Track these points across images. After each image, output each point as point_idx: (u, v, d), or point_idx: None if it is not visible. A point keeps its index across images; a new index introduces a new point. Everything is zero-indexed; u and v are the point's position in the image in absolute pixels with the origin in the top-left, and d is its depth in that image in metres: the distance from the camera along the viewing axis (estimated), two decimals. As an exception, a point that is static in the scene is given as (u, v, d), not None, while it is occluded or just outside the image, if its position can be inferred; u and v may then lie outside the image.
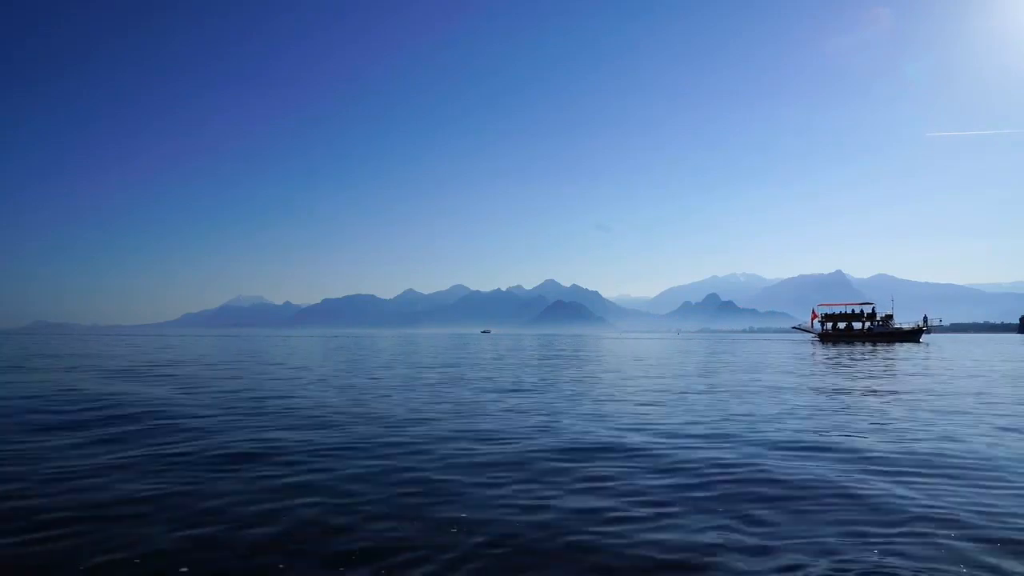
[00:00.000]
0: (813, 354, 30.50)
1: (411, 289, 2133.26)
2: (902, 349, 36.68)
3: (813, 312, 60.79)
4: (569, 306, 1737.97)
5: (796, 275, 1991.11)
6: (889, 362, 23.31)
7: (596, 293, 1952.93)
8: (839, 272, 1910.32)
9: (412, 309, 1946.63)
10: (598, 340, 69.91)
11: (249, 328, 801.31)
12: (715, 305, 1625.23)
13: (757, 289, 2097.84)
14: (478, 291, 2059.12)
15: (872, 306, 57.32)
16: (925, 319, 55.91)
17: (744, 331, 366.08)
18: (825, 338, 58.58)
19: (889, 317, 56.49)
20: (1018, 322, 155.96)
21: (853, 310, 58.51)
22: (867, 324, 57.08)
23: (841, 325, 58.55)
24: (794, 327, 67.54)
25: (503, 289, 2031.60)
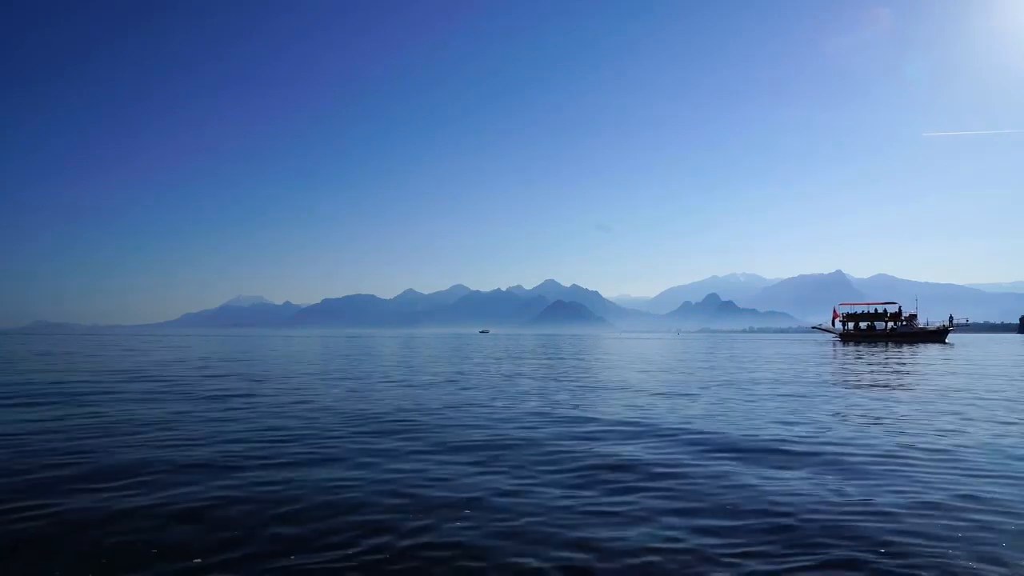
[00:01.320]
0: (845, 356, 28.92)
1: (411, 289, 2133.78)
2: (934, 350, 34.94)
3: (834, 312, 59.26)
4: (569, 306, 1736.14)
5: (796, 275, 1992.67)
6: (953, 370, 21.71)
7: (596, 293, 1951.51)
8: (839, 272, 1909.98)
9: (412, 309, 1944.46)
10: (599, 341, 68.40)
11: (249, 328, 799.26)
12: (715, 305, 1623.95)
13: (757, 289, 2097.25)
14: (478, 291, 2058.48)
15: (897, 305, 55.78)
16: (951, 319, 54.46)
17: (744, 331, 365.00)
18: (847, 338, 57.06)
19: (913, 317, 54.98)
20: (1018, 322, 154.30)
21: (876, 309, 56.99)
22: (890, 324, 55.55)
23: (863, 325, 57.04)
24: (814, 327, 66.04)
25: (503, 289, 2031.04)
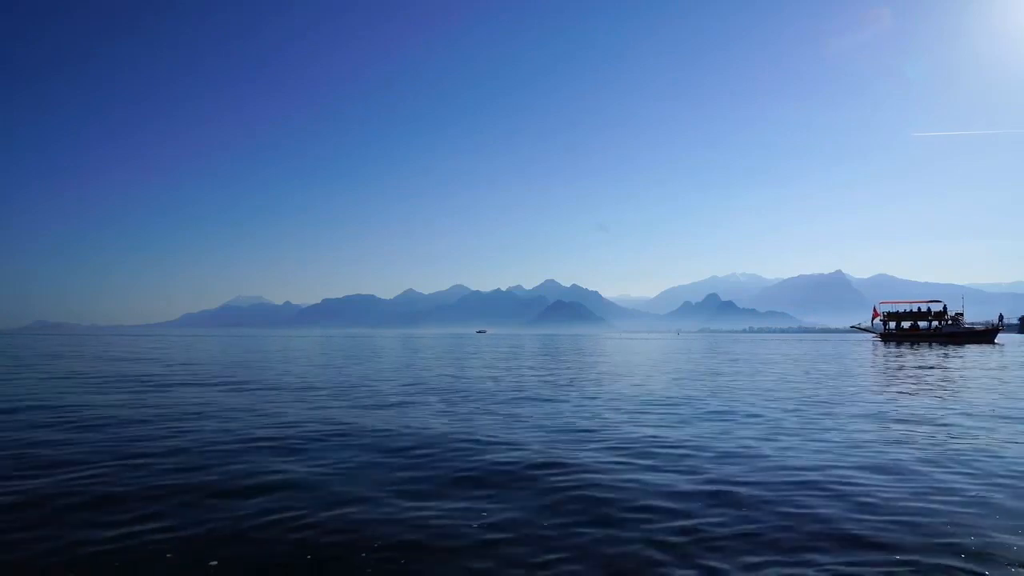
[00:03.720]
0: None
1: (411, 289, 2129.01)
2: (993, 353, 33.02)
3: (874, 310, 57.69)
4: (569, 306, 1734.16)
5: (796, 275, 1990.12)
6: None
7: (596, 293, 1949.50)
8: (839, 272, 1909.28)
9: (412, 309, 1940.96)
10: (602, 341, 66.73)
11: (249, 328, 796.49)
12: (715, 305, 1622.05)
13: (757, 289, 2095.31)
14: (478, 291, 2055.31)
15: (942, 304, 54.12)
16: (1000, 318, 52.84)
17: (744, 331, 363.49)
18: (887, 338, 55.52)
19: (959, 316, 53.33)
20: (1018, 322, 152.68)
21: (919, 308, 55.38)
22: (934, 323, 53.90)
23: (906, 324, 55.42)
24: (853, 326, 64.39)
25: (503, 289, 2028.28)
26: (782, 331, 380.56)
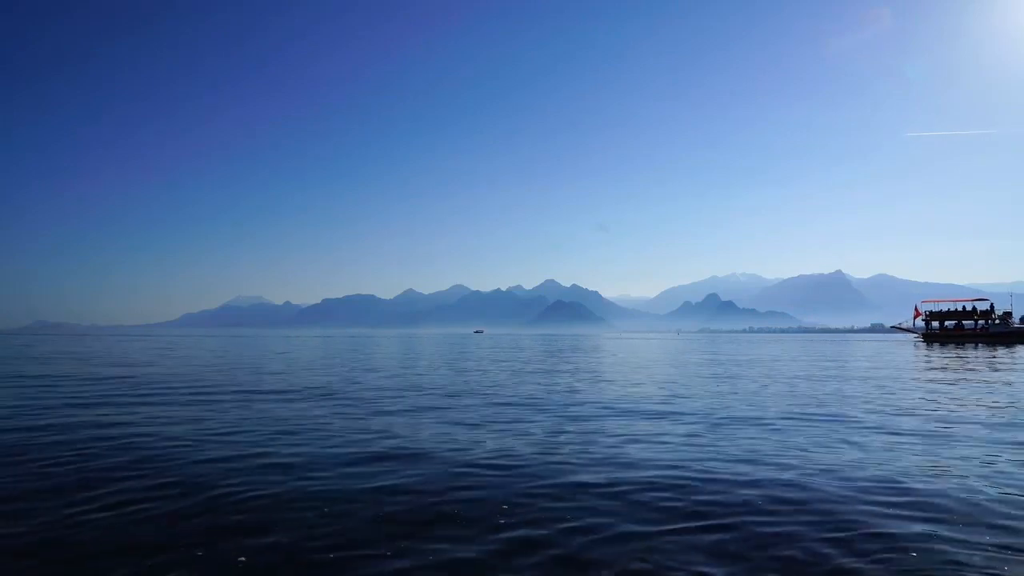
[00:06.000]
0: None
1: (411, 289, 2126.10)
2: None
3: (916, 309, 56.39)
4: (569, 306, 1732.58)
5: (796, 275, 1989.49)
6: None
7: (596, 293, 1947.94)
8: (839, 272, 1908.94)
9: (412, 309, 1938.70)
10: (605, 341, 65.65)
11: (249, 328, 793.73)
12: (715, 305, 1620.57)
13: (757, 289, 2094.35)
14: (478, 291, 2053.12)
15: (989, 302, 52.81)
16: (1050, 317, 51.53)
17: (744, 331, 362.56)
18: (930, 339, 54.22)
19: (1008, 315, 52.00)
20: (1018, 322, 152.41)
21: (964, 307, 54.09)
22: (980, 323, 52.59)
23: (950, 324, 54.09)
24: (893, 326, 63.12)
25: (503, 289, 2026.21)
26: (782, 331, 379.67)
